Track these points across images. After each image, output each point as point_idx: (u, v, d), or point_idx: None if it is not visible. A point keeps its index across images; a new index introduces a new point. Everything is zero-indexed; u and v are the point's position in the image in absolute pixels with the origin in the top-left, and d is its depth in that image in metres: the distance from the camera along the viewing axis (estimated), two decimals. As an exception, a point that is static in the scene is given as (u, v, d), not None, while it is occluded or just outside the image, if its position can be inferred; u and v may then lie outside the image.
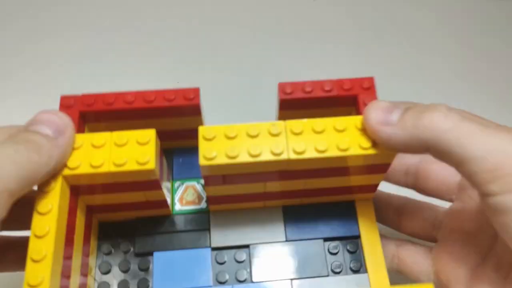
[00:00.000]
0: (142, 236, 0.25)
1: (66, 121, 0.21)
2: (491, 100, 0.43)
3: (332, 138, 0.22)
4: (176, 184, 0.26)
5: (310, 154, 0.21)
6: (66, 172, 0.21)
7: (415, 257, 0.25)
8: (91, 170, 0.21)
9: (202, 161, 0.21)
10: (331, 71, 0.46)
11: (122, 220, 0.25)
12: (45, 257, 0.19)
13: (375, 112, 0.21)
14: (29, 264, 0.19)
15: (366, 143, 0.21)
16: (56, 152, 0.20)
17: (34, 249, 0.19)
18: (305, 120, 0.22)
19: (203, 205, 0.26)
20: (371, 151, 0.21)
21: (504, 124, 0.20)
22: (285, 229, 0.25)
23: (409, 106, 0.21)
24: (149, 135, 0.22)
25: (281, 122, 0.22)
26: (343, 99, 0.24)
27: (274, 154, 0.21)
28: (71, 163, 0.21)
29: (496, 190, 0.18)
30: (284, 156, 0.21)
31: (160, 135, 0.24)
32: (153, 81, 0.44)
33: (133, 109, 0.24)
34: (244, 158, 0.21)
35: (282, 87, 0.24)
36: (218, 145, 0.21)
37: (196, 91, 0.24)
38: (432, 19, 0.48)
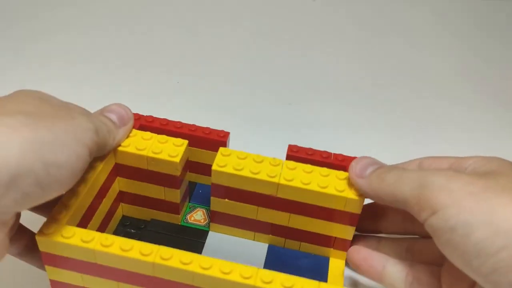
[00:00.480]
0: (150, 232, 0.31)
1: (129, 115, 0.29)
2: (491, 100, 0.44)
3: (316, 178, 0.28)
4: (190, 205, 0.33)
5: (296, 183, 0.27)
6: (120, 148, 0.28)
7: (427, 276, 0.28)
8: (136, 151, 0.28)
9: (214, 167, 0.28)
10: (331, 72, 0.48)
11: (139, 218, 0.31)
12: (74, 202, 0.25)
13: (356, 166, 0.28)
14: (59, 205, 0.25)
15: (341, 188, 0.27)
16: (118, 137, 0.28)
17: (67, 196, 0.26)
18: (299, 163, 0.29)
19: (206, 226, 0.32)
20: (343, 194, 0.27)
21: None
22: (264, 263, 0.30)
23: (380, 166, 0.27)
24: (183, 142, 0.29)
25: (281, 160, 0.29)
26: (334, 166, 0.31)
27: (269, 176, 0.28)
28: (124, 143, 0.28)
29: (425, 216, 0.24)
30: (276, 180, 0.27)
31: (191, 167, 0.32)
32: (153, 82, 0.47)
33: (179, 132, 0.31)
34: (246, 173, 0.28)
35: (290, 147, 0.31)
36: (230, 161, 0.28)
37: (226, 133, 0.32)
38: (432, 19, 0.49)
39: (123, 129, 0.28)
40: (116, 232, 0.31)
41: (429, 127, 0.44)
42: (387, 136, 0.43)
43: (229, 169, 0.28)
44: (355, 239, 0.31)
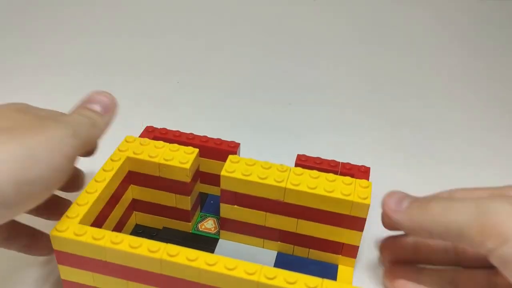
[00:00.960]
0: (162, 239, 0.31)
1: (114, 102, 0.28)
2: (491, 100, 0.45)
3: (322, 183, 0.28)
4: (202, 215, 0.33)
5: (303, 188, 0.28)
6: (131, 155, 0.29)
7: None
8: (148, 159, 0.29)
9: (223, 173, 0.29)
10: (331, 72, 0.49)
11: (152, 227, 0.32)
12: (87, 203, 0.26)
13: (389, 201, 0.27)
14: (73, 206, 0.26)
15: (347, 192, 0.28)
16: (104, 127, 0.27)
17: (81, 198, 0.27)
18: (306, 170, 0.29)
19: (217, 234, 0.32)
20: (349, 198, 0.27)
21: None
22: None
23: (416, 198, 0.27)
24: (194, 150, 0.30)
25: (288, 166, 0.29)
26: (342, 174, 0.31)
27: (276, 181, 0.28)
28: (137, 151, 0.30)
29: (492, 246, 0.23)
30: (282, 184, 0.28)
31: (203, 177, 0.33)
32: (152, 81, 0.48)
33: (191, 143, 0.33)
34: (253, 178, 0.28)
35: (299, 156, 0.32)
36: (238, 167, 0.29)
37: (237, 144, 0.33)
38: (432, 19, 0.50)
39: (108, 118, 0.27)
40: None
41: (430, 127, 0.45)
42: (387, 135, 0.44)
43: (237, 175, 0.29)
44: (394, 270, 0.30)
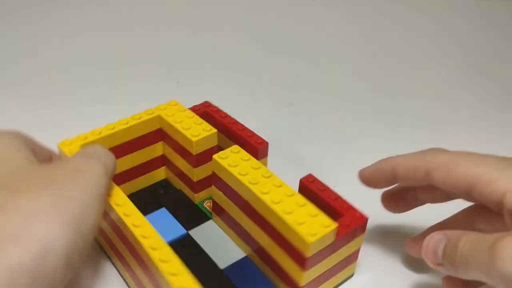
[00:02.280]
0: (169, 200, 0.35)
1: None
2: (491, 101, 0.46)
3: (287, 202, 0.27)
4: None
5: (265, 198, 0.27)
6: (162, 114, 0.33)
7: None
8: (171, 121, 0.33)
9: (215, 156, 0.30)
10: (331, 72, 0.49)
11: (174, 186, 0.36)
12: (100, 133, 0.31)
13: (426, 256, 0.26)
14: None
15: (301, 221, 0.25)
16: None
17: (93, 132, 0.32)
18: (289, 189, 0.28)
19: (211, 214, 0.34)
20: (296, 227, 0.25)
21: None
22: (226, 267, 0.30)
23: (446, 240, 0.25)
24: (211, 129, 0.32)
25: (273, 174, 0.28)
26: (335, 211, 0.28)
27: (249, 182, 0.28)
28: (168, 113, 0.33)
29: None
30: (252, 187, 0.28)
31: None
32: (152, 81, 0.49)
33: (228, 128, 0.34)
34: (233, 171, 0.29)
35: (308, 176, 0.30)
36: (232, 157, 0.30)
37: (264, 142, 0.33)
38: (432, 19, 0.52)
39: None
40: (150, 188, 0.36)
41: (430, 128, 0.45)
42: (387, 135, 0.44)
43: (223, 162, 0.30)
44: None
